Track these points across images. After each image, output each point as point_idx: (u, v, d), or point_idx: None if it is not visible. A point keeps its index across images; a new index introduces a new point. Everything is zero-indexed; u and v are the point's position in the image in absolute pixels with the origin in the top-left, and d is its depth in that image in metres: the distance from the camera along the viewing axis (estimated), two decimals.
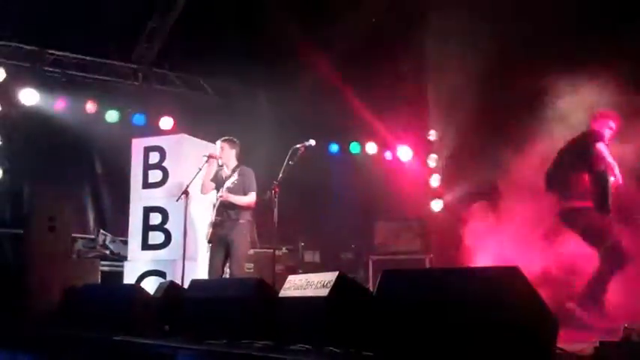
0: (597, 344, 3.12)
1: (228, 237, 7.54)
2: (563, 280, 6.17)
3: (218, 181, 7.83)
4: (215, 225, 7.64)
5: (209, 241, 7.69)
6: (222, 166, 7.92)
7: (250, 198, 7.61)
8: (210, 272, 7.60)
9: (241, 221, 7.59)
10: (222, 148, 7.85)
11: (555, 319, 3.06)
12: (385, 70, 10.61)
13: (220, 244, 7.59)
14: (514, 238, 7.06)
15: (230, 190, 7.60)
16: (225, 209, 7.62)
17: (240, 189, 7.63)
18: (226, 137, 7.93)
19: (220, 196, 7.63)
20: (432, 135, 11.45)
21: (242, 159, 7.94)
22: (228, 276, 7.49)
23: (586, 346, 3.35)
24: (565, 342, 3.26)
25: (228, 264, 7.58)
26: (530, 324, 2.94)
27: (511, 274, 3.06)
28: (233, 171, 7.77)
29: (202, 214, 8.27)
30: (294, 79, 11.72)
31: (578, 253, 6.24)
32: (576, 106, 6.66)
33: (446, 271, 3.73)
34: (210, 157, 7.87)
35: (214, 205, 7.71)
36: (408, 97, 10.69)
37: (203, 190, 7.83)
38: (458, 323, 3.10)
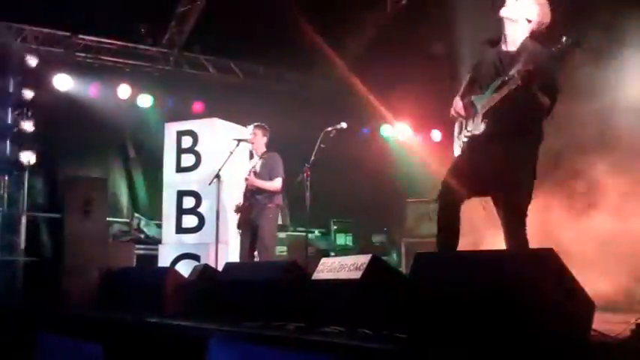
0: (634, 326, 3.09)
1: (255, 222, 7.59)
2: (598, 260, 6.06)
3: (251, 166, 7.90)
4: (243, 210, 7.70)
5: (238, 227, 7.75)
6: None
7: (275, 183, 7.65)
8: (240, 257, 7.67)
9: (269, 205, 7.64)
10: (254, 134, 7.90)
11: (591, 302, 3.03)
12: (416, 50, 10.52)
13: (248, 228, 7.65)
14: (547, 220, 6.96)
15: (256, 175, 7.64)
16: (252, 194, 7.67)
17: (266, 174, 7.67)
18: (258, 123, 7.96)
19: (245, 179, 7.68)
20: None
21: (271, 145, 7.98)
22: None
23: (623, 328, 3.32)
24: (601, 324, 3.23)
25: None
26: (565, 306, 2.92)
27: (546, 256, 3.03)
28: (261, 157, 7.81)
29: (235, 197, 8.32)
30: (324, 60, 11.70)
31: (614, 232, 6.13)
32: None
33: (480, 253, 3.71)
34: (240, 141, 7.93)
35: (243, 191, 7.77)
36: (440, 78, 10.58)
37: None
38: (492, 306, 3.08)
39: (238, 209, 7.82)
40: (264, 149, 7.91)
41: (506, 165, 4.39)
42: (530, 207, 4.42)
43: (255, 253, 7.67)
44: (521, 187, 4.44)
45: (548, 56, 4.37)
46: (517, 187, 4.43)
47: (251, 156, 8.31)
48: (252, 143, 7.90)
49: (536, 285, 2.96)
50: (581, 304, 2.98)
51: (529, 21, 4.55)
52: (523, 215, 4.41)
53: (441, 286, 3.36)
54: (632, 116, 6.75)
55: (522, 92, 4.26)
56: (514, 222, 4.43)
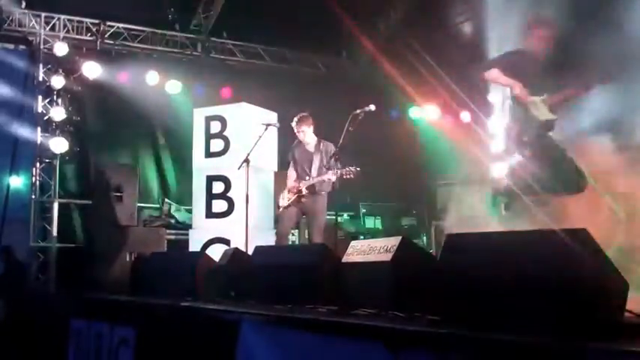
0: None
1: (308, 207, 7.77)
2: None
3: (300, 157, 7.92)
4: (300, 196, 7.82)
5: (286, 207, 7.82)
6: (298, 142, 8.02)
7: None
8: (280, 230, 7.93)
9: (323, 193, 7.85)
10: (303, 132, 7.92)
11: (624, 282, 2.99)
12: (445, 31, 10.42)
13: (296, 212, 7.75)
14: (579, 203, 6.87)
15: (328, 167, 7.77)
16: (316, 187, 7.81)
17: (327, 163, 7.80)
18: (298, 117, 7.96)
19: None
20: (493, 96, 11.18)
21: (318, 130, 8.01)
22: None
23: None
24: (635, 305, 3.18)
25: (305, 232, 8.01)
26: (598, 287, 2.88)
27: (579, 236, 3.00)
28: (316, 148, 7.85)
29: (264, 181, 8.33)
30: (352, 43, 11.64)
31: None
32: None
33: (512, 234, 3.66)
34: (269, 125, 7.95)
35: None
36: (469, 59, 10.48)
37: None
38: (524, 286, 3.06)
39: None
40: (315, 138, 8.01)
41: None
42: None
43: (294, 232, 7.95)
44: None
45: None
46: None
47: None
48: (303, 139, 7.95)
49: (570, 265, 2.93)
50: (614, 284, 2.95)
51: None
52: None
53: (473, 266, 3.34)
54: None
55: None
56: None
